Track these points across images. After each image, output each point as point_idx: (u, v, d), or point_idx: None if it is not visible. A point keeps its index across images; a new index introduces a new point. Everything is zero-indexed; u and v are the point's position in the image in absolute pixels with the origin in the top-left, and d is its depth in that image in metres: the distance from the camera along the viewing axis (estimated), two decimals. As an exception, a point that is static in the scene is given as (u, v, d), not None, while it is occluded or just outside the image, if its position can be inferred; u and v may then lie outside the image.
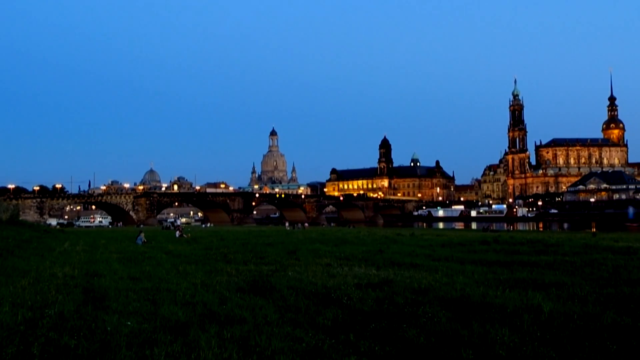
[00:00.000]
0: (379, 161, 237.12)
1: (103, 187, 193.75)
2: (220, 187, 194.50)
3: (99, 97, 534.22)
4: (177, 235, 33.59)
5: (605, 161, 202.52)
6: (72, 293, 8.92)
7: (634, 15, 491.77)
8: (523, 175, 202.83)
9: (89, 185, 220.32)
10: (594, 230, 49.58)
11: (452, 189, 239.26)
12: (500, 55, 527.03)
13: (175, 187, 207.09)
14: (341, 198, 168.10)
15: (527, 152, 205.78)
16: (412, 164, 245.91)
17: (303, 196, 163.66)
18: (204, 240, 28.70)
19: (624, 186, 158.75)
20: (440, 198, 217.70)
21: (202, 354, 5.27)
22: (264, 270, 12.40)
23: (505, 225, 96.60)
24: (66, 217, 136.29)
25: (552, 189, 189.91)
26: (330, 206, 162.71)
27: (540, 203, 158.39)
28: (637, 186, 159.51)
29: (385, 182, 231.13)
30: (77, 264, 14.16)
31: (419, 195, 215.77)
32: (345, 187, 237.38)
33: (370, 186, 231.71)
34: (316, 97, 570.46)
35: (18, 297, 8.21)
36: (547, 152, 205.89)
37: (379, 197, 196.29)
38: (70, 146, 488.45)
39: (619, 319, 6.57)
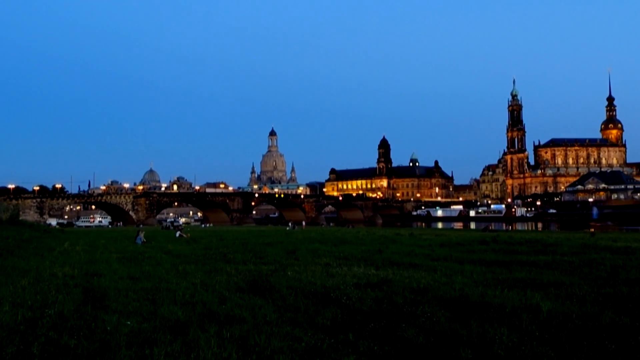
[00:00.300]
0: (378, 161, 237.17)
1: (103, 187, 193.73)
2: (219, 187, 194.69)
3: (99, 97, 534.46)
4: (176, 235, 33.58)
5: (603, 161, 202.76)
6: (72, 293, 8.92)
7: (632, 16, 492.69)
8: (522, 175, 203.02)
9: (89, 185, 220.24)
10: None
11: (451, 189, 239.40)
12: (499, 56, 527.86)
13: (175, 187, 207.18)
14: (340, 198, 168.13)
15: (526, 152, 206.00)
16: (411, 164, 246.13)
17: (302, 196, 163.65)
18: (203, 240, 28.68)
19: (623, 186, 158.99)
20: (439, 198, 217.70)
21: (202, 354, 5.27)
22: (264, 270, 12.40)
23: (504, 225, 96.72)
24: (66, 217, 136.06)
25: (550, 189, 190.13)
26: (330, 206, 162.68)
27: (538, 203, 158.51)
28: (636, 186, 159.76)
29: (384, 182, 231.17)
30: (77, 263, 14.15)
31: (418, 195, 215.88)
32: (344, 187, 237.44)
33: (369, 186, 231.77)
34: (315, 97, 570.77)
35: (18, 297, 8.22)
36: (546, 152, 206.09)
37: (378, 197, 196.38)
38: (70, 146, 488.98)
39: (617, 318, 6.58)
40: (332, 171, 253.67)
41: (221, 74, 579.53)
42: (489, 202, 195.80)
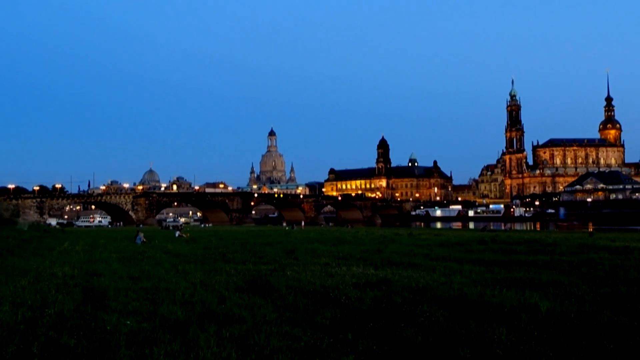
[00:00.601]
0: (377, 161, 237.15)
1: (102, 187, 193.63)
2: (219, 187, 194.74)
3: (99, 97, 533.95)
4: (176, 234, 33.61)
5: (602, 161, 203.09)
6: (71, 292, 8.94)
7: (631, 16, 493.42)
8: (520, 175, 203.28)
9: (89, 185, 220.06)
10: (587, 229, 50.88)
11: (449, 189, 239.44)
12: (497, 56, 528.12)
13: (175, 187, 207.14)
14: (339, 198, 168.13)
15: (525, 152, 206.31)
16: (410, 164, 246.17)
17: (301, 196, 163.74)
18: (203, 239, 28.71)
19: (621, 186, 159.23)
20: (438, 198, 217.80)
21: (201, 353, 5.28)
22: (263, 270, 12.42)
23: (502, 225, 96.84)
24: (66, 217, 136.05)
25: (549, 189, 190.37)
26: (329, 206, 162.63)
27: (537, 203, 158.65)
28: (634, 186, 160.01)
29: (383, 182, 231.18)
30: (77, 263, 14.18)
31: (417, 195, 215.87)
32: (344, 187, 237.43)
33: (368, 186, 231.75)
34: (314, 97, 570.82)
35: (18, 297, 8.23)
36: (545, 152, 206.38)
37: (377, 197, 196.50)
38: (70, 146, 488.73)
39: (615, 318, 6.60)
40: (331, 171, 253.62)
41: (220, 74, 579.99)
42: (488, 202, 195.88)
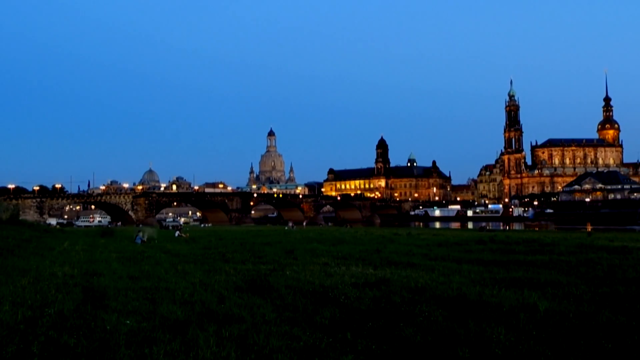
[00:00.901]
0: (376, 161, 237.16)
1: (102, 187, 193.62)
2: (218, 187, 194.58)
3: (98, 97, 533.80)
4: (176, 234, 33.61)
5: (600, 161, 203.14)
6: (71, 292, 8.92)
7: (629, 17, 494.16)
8: (519, 175, 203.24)
9: (89, 185, 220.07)
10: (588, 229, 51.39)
11: (448, 189, 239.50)
12: (496, 56, 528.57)
13: (174, 187, 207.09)
14: (338, 198, 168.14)
15: (523, 152, 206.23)
16: (408, 164, 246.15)
17: (301, 196, 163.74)
18: (202, 239, 28.70)
19: (619, 186, 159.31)
20: (436, 198, 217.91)
21: (201, 353, 5.29)
22: (262, 270, 12.42)
23: (501, 224, 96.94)
24: (66, 216, 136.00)
25: (547, 189, 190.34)
26: (328, 206, 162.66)
27: (536, 203, 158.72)
28: (632, 186, 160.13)
29: (382, 182, 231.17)
30: (77, 263, 14.17)
31: (416, 195, 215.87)
32: (343, 187, 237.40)
33: (367, 186, 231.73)
34: (314, 97, 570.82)
35: (18, 296, 8.22)
36: (543, 152, 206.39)
37: (376, 197, 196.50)
38: (70, 146, 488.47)
39: (614, 317, 6.61)
40: (331, 171, 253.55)
41: (220, 74, 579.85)
42: (487, 202, 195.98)
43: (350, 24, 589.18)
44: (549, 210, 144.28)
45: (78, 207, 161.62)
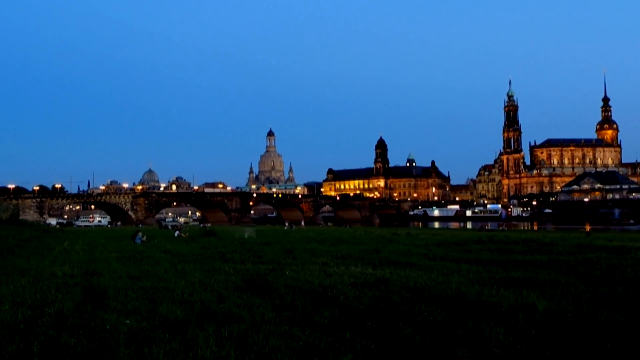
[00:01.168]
0: (375, 161, 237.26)
1: (102, 187, 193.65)
2: (218, 187, 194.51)
3: (98, 97, 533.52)
4: (175, 234, 33.60)
5: (599, 161, 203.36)
6: (71, 292, 8.93)
7: (627, 17, 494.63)
8: (518, 176, 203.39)
9: (88, 185, 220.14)
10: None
11: (447, 189, 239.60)
12: (495, 57, 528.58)
13: (174, 187, 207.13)
14: (338, 198, 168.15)
15: (522, 153, 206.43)
16: (407, 164, 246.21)
17: (300, 196, 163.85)
18: (202, 239, 28.68)
19: (618, 186, 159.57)
20: (435, 198, 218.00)
21: (201, 352, 5.29)
22: (261, 269, 12.42)
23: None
24: (66, 216, 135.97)
25: (546, 189, 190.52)
26: (327, 206, 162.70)
27: (534, 203, 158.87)
28: (631, 186, 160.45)
29: (382, 182, 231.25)
30: (77, 263, 14.17)
31: (415, 195, 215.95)
32: (342, 187, 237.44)
33: (366, 186, 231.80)
34: (313, 97, 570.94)
35: (18, 296, 8.23)
36: (542, 153, 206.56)
37: (375, 197, 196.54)
38: (70, 146, 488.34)
39: (612, 317, 6.62)
40: (330, 171, 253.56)
41: (219, 75, 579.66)
42: (485, 202, 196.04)
43: (350, 24, 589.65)
44: (547, 210, 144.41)
45: (78, 207, 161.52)
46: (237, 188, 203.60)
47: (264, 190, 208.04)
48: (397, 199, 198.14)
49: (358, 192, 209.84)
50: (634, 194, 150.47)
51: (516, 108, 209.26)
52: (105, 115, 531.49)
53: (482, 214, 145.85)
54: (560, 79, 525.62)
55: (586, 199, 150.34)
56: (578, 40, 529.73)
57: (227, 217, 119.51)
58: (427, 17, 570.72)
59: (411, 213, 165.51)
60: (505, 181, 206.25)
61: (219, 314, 7.03)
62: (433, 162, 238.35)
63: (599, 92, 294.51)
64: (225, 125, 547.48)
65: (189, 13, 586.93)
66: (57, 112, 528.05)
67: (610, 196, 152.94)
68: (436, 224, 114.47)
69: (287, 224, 64.42)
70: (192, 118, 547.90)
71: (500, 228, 58.40)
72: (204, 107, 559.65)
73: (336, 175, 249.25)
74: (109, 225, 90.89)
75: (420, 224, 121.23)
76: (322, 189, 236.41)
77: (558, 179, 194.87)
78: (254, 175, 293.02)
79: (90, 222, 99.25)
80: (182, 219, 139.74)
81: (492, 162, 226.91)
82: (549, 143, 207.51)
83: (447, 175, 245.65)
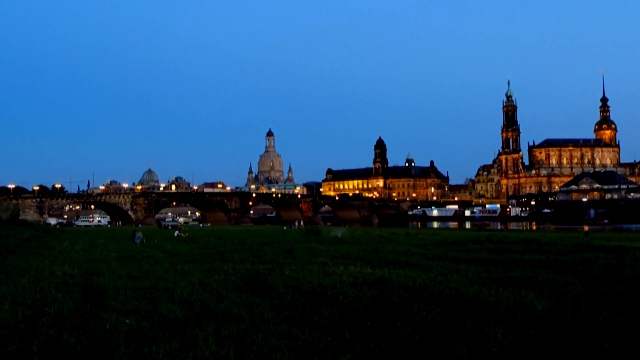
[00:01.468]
0: (374, 161, 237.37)
1: (102, 187, 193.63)
2: (217, 187, 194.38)
3: (98, 97, 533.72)
4: (175, 234, 33.59)
5: (597, 161, 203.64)
6: (71, 291, 8.93)
7: (626, 17, 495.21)
8: (516, 175, 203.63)
9: (88, 185, 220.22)
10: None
11: (446, 189, 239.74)
12: (494, 57, 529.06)
13: (173, 187, 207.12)
14: (337, 198, 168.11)
15: (521, 153, 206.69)
16: (406, 164, 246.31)
17: (299, 196, 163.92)
18: (201, 239, 28.68)
19: (616, 186, 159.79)
20: (434, 198, 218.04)
21: (200, 352, 5.30)
22: (261, 269, 12.43)
23: (498, 224, 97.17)
24: (65, 216, 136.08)
25: (545, 189, 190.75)
26: (326, 206, 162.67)
27: (533, 203, 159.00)
28: (629, 186, 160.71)
29: (381, 182, 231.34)
30: (77, 262, 14.18)
31: (414, 195, 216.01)
32: (341, 187, 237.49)
33: (365, 186, 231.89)
34: (312, 98, 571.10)
35: (18, 296, 8.24)
36: (540, 153, 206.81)
37: (374, 196, 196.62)
38: (70, 146, 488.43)
39: (611, 317, 6.63)
40: (329, 171, 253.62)
41: (219, 75, 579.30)
42: (484, 202, 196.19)
43: (349, 24, 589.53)
44: (546, 210, 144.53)
45: (78, 207, 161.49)
46: (237, 188, 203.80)
47: (264, 190, 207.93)
48: (396, 199, 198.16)
49: (357, 192, 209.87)
50: (632, 194, 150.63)
51: (515, 108, 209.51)
52: (105, 115, 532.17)
53: (481, 214, 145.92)
54: (558, 79, 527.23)
55: (585, 199, 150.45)
56: (576, 40, 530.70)
57: (226, 217, 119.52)
58: (426, 17, 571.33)
59: (410, 213, 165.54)
60: (504, 181, 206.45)
61: (219, 314, 7.03)
62: (432, 162, 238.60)
63: (597, 92, 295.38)
64: (225, 125, 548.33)
65: (188, 13, 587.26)
66: (57, 112, 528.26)
67: (608, 196, 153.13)
68: (435, 224, 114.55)
69: (294, 224, 64.37)
70: (191, 118, 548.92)
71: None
72: (204, 107, 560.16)
73: (335, 175, 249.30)
74: (109, 225, 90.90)
75: (419, 223, 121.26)
76: (321, 189, 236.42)
77: (557, 179, 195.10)
78: (254, 175, 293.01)
79: (90, 222, 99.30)
80: (181, 219, 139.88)
81: (490, 162, 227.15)
82: (548, 143, 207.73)
83: (446, 175, 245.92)
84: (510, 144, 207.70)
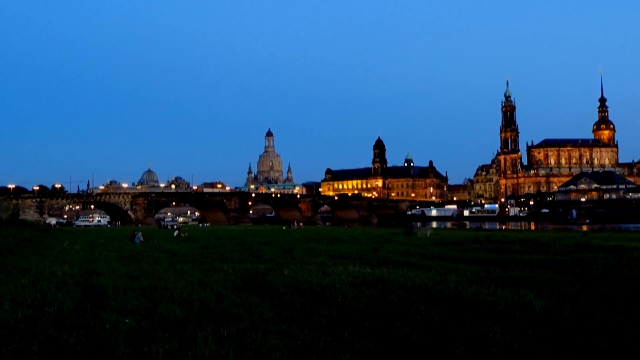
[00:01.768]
0: (373, 161, 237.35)
1: (102, 187, 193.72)
2: (217, 187, 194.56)
3: (98, 98, 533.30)
4: (175, 234, 33.60)
5: (595, 161, 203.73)
6: (71, 291, 8.94)
7: (624, 18, 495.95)
8: (515, 176, 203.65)
9: (88, 185, 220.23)
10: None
11: (445, 189, 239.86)
12: (492, 57, 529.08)
13: (173, 187, 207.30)
14: (336, 198, 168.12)
15: (519, 153, 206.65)
16: (405, 164, 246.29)
17: (298, 196, 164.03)
18: (201, 239, 28.71)
19: (615, 186, 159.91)
20: (433, 198, 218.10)
21: (199, 351, 5.30)
22: (260, 269, 12.44)
23: (497, 224, 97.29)
24: (65, 216, 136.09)
25: (543, 189, 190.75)
26: (325, 206, 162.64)
27: (531, 203, 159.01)
28: (628, 186, 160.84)
29: (380, 182, 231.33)
30: (76, 262, 14.19)
31: (413, 195, 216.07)
32: (340, 187, 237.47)
33: (364, 186, 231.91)
34: (311, 98, 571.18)
35: (18, 295, 8.24)
36: (539, 153, 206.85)
37: (373, 197, 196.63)
38: (70, 146, 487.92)
39: (609, 316, 6.65)
40: (328, 171, 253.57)
41: (218, 75, 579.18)
42: (483, 202, 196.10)
43: (348, 24, 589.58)
44: (544, 210, 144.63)
45: (78, 207, 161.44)
46: (236, 188, 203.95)
47: (263, 190, 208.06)
48: (395, 199, 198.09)
49: (356, 192, 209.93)
50: (630, 194, 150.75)
51: (513, 108, 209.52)
52: (105, 116, 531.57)
53: (480, 214, 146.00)
54: (557, 80, 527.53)
55: (583, 199, 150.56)
56: (575, 40, 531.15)
57: (225, 217, 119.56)
58: (425, 17, 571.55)
59: (409, 213, 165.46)
60: (503, 181, 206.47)
61: (218, 313, 7.05)
62: (431, 162, 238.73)
63: (595, 92, 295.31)
64: (224, 125, 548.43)
65: (188, 13, 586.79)
66: (57, 112, 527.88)
67: (607, 196, 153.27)
68: (434, 224, 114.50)
69: (294, 224, 64.37)
70: (191, 118, 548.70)
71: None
72: (203, 107, 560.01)
73: (334, 175, 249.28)
74: (109, 225, 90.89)
75: (418, 223, 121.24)
76: (320, 189, 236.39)
77: (555, 179, 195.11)
78: (253, 175, 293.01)
79: (89, 222, 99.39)
80: (181, 219, 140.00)
81: (489, 162, 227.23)
82: (546, 143, 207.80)
83: (444, 175, 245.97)
84: (509, 144, 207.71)
